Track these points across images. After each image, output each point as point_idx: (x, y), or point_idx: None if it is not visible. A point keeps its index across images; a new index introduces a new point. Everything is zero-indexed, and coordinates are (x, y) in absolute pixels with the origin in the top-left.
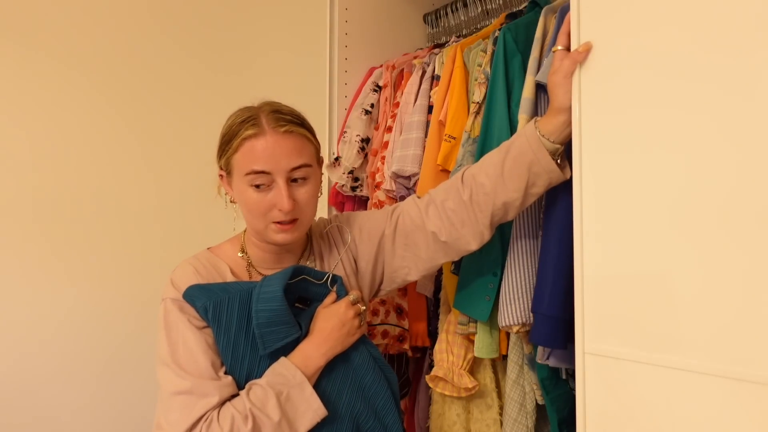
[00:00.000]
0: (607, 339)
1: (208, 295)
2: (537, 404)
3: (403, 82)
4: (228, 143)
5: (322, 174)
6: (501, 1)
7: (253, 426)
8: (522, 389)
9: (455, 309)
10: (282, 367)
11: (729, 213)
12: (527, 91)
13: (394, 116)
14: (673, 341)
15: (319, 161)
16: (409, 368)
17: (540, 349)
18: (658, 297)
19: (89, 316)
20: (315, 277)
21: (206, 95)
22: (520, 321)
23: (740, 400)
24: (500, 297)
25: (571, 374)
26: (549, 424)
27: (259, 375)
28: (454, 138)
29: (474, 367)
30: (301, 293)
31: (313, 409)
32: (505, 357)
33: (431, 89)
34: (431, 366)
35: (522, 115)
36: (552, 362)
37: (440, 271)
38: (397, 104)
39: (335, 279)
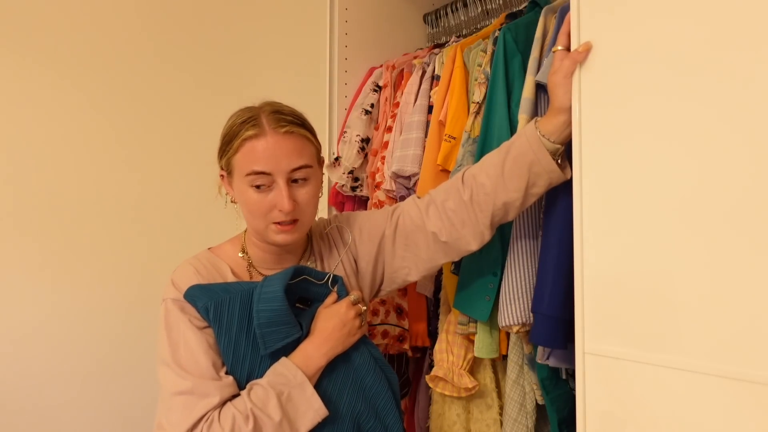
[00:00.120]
0: (607, 339)
1: (209, 295)
2: (537, 404)
3: (403, 82)
4: (228, 143)
5: (323, 174)
6: (501, 1)
7: (254, 426)
8: (522, 389)
9: (455, 309)
10: (283, 367)
11: (728, 213)
12: (527, 91)
13: (394, 116)
14: (673, 341)
15: (320, 162)
16: (409, 368)
17: (540, 349)
18: (658, 297)
19: (90, 317)
20: (316, 277)
21: (206, 95)
22: (520, 321)
23: (740, 400)
24: (500, 297)
25: (571, 374)
26: (549, 424)
27: (260, 375)
28: (454, 138)
29: (474, 367)
30: (302, 293)
31: (314, 409)
32: (505, 357)
33: (431, 89)
34: (431, 366)
35: (522, 115)
36: (552, 362)
37: (440, 271)
38: (397, 104)
39: (336, 279)
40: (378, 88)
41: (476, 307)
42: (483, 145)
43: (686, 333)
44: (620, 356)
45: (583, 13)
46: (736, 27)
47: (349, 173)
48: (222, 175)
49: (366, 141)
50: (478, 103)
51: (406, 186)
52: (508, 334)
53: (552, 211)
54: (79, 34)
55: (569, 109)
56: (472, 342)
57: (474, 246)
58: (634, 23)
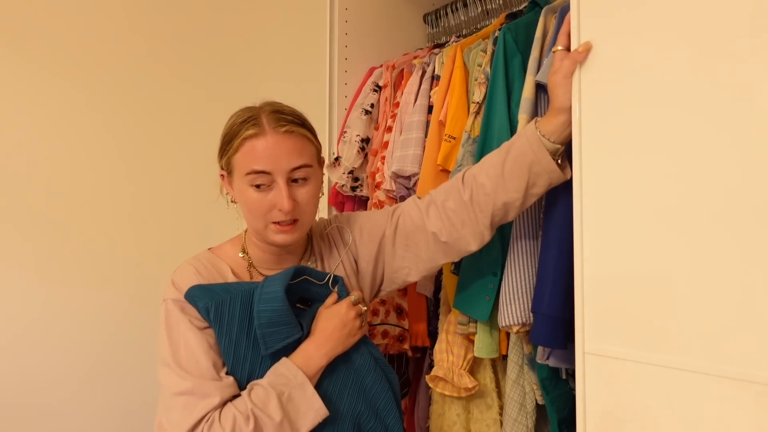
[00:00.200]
0: (607, 339)
1: (209, 295)
2: (537, 404)
3: (403, 82)
4: (229, 143)
5: (323, 175)
6: (501, 1)
7: (255, 426)
8: (522, 389)
9: (455, 309)
10: (283, 367)
11: (729, 213)
12: (527, 91)
13: (394, 116)
14: (673, 341)
15: (320, 162)
16: (409, 368)
17: (540, 349)
18: (658, 297)
19: (90, 318)
20: (316, 277)
21: (206, 96)
22: (520, 321)
23: (740, 400)
24: (500, 297)
25: (571, 374)
26: (549, 424)
27: (261, 375)
28: (454, 138)
29: (474, 367)
30: (303, 294)
31: (314, 410)
32: (505, 357)
33: (431, 89)
34: (431, 366)
35: (522, 115)
36: (552, 362)
37: (440, 271)
38: (397, 104)
39: (336, 279)
40: (378, 88)
41: (476, 307)
42: (483, 145)
43: (686, 333)
44: (620, 356)
45: (583, 13)
46: (735, 36)
47: (349, 173)
48: (222, 175)
49: (366, 141)
50: (478, 103)
51: (406, 186)
52: (508, 334)
53: (552, 211)
54: (76, 34)
55: (569, 109)
56: (472, 342)
57: (474, 246)
58: (635, 23)
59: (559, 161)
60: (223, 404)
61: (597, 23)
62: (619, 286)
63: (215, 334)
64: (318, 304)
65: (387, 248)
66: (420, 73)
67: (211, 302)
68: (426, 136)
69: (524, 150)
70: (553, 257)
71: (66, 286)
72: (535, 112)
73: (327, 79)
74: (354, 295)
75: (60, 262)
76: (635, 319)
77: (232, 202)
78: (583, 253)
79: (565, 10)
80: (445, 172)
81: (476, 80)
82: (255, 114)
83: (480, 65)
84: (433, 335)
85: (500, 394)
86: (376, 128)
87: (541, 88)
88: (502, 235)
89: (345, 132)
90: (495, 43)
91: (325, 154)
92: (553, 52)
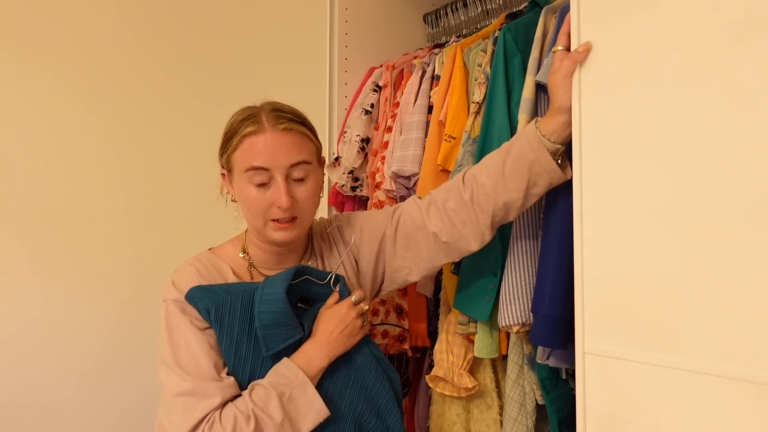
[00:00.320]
0: (607, 339)
1: (210, 296)
2: (537, 404)
3: (403, 82)
4: (229, 141)
5: (323, 174)
6: (501, 1)
7: (256, 426)
8: (522, 389)
9: (455, 309)
10: (285, 367)
11: (728, 214)
12: (527, 91)
13: (394, 116)
14: (673, 341)
15: (321, 161)
16: (409, 368)
17: (540, 349)
18: (658, 297)
19: (88, 318)
20: (317, 277)
21: (205, 96)
22: (520, 321)
23: (740, 400)
24: (500, 297)
25: (571, 374)
26: (549, 424)
27: (262, 376)
28: (454, 138)
29: (474, 367)
30: (304, 293)
31: (315, 410)
32: (505, 357)
33: (431, 89)
34: (431, 366)
35: (522, 115)
36: (552, 362)
37: (440, 271)
38: (397, 104)
39: (338, 279)
40: (378, 88)
41: (476, 307)
42: (483, 145)
43: (686, 333)
44: (620, 356)
45: (583, 13)
46: (733, 41)
47: (349, 173)
48: (223, 174)
49: (366, 141)
50: (478, 103)
51: (406, 186)
52: (508, 334)
53: (552, 212)
54: (74, 33)
55: (569, 109)
56: (472, 342)
57: (474, 246)
58: (635, 23)
59: (560, 161)
60: (224, 404)
61: (597, 23)
62: (619, 286)
63: (216, 334)
64: (319, 304)
65: (387, 248)
66: (420, 73)
67: (212, 303)
68: (426, 136)
69: (524, 150)
70: (553, 257)
71: (64, 286)
72: (535, 112)
73: (327, 79)
74: (355, 295)
75: (58, 262)
76: (635, 319)
77: (232, 201)
78: (583, 253)
79: (565, 10)
80: (445, 172)
81: (476, 80)
82: (255, 112)
83: (480, 65)
84: (433, 335)
85: (500, 394)
86: (376, 128)
87: (541, 88)
88: (502, 235)
89: (345, 132)
90: (495, 43)
91: (325, 154)
92: (553, 52)
